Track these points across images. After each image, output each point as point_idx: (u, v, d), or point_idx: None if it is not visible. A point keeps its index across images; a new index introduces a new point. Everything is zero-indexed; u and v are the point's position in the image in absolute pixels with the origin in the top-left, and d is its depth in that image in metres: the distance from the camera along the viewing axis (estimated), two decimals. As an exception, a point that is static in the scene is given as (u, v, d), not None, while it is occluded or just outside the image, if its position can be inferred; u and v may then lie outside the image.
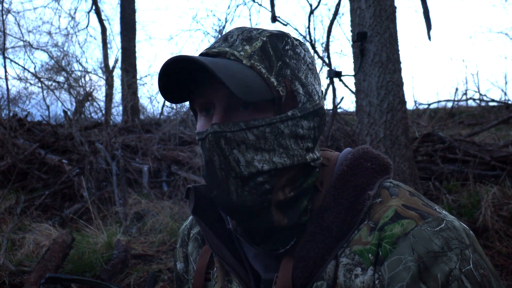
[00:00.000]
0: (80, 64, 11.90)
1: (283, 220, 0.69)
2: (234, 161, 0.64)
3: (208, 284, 0.82)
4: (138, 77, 10.50)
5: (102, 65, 11.73)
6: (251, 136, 0.64)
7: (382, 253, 0.63)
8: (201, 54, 0.69)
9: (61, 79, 10.59)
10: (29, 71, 10.63)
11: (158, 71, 0.66)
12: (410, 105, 10.90)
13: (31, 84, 10.51)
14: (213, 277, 0.81)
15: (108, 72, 10.89)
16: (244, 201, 0.66)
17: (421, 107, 9.50)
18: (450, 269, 0.60)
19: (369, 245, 0.65)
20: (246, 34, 0.69)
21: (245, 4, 7.41)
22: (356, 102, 3.65)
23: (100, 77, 11.55)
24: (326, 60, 4.96)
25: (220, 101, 0.66)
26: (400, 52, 3.58)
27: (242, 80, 0.61)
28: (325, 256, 0.67)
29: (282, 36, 0.70)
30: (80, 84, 10.28)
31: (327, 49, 5.04)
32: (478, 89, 11.87)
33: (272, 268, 0.74)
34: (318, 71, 0.76)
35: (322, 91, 0.76)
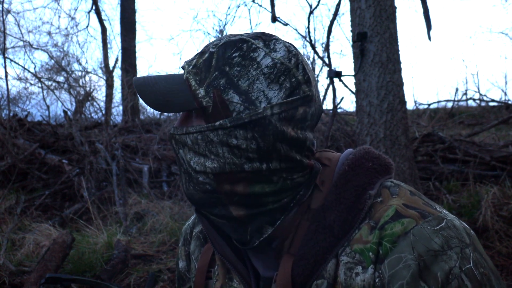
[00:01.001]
0: (80, 64, 11.92)
1: (242, 212, 0.71)
2: (181, 158, 0.73)
3: (209, 282, 0.83)
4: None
5: (102, 65, 11.75)
6: (188, 141, 0.71)
7: (383, 251, 0.64)
8: (182, 67, 0.76)
9: (61, 79, 10.60)
10: (29, 71, 10.67)
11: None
12: (410, 105, 10.90)
13: (31, 84, 10.52)
14: (214, 275, 0.82)
15: (108, 72, 10.90)
16: (191, 194, 0.73)
17: (421, 107, 9.51)
18: (450, 267, 0.60)
19: (369, 244, 0.66)
20: (204, 48, 0.74)
21: (245, 5, 7.41)
22: (356, 102, 3.65)
23: (100, 77, 11.56)
24: (326, 60, 4.96)
25: None
26: (400, 52, 3.58)
27: (162, 95, 0.71)
28: (326, 255, 0.68)
29: (235, 43, 0.70)
30: (80, 84, 10.29)
31: (327, 49, 5.04)
32: (478, 89, 11.88)
33: (272, 267, 0.74)
34: (292, 75, 0.69)
35: (283, 97, 0.68)
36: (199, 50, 0.75)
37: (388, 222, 0.66)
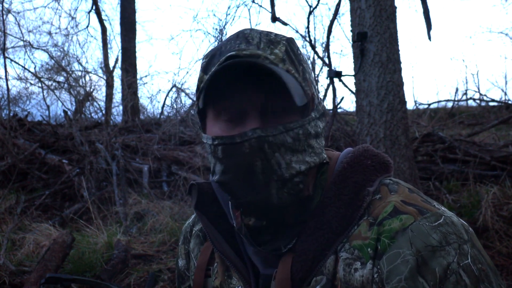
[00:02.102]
0: (80, 64, 11.90)
1: (296, 215, 0.72)
2: (276, 164, 0.65)
3: (208, 280, 0.83)
4: (138, 77, 10.50)
5: (102, 65, 11.74)
6: (289, 139, 0.66)
7: (381, 247, 0.64)
8: (231, 57, 0.67)
9: (61, 79, 10.61)
10: (29, 71, 10.66)
11: (212, 71, 0.65)
12: (410, 105, 10.88)
13: (31, 84, 10.51)
14: (213, 273, 0.82)
15: (108, 72, 10.90)
16: (283, 202, 0.68)
17: (421, 107, 9.52)
18: (448, 263, 0.60)
19: (368, 240, 0.66)
20: (266, 37, 0.70)
21: (245, 5, 7.41)
22: (356, 102, 3.65)
23: (100, 77, 11.55)
24: (326, 60, 4.96)
25: (255, 106, 0.67)
26: (400, 52, 3.59)
27: (295, 86, 0.65)
28: (324, 251, 0.68)
29: (291, 40, 0.74)
30: (80, 84, 10.29)
31: (327, 49, 5.04)
32: (478, 89, 11.84)
33: (272, 264, 0.74)
34: None
35: None
36: (265, 38, 0.69)
37: (386, 218, 0.66)
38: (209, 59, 0.72)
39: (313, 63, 8.69)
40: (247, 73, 0.65)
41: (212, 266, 0.83)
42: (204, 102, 0.68)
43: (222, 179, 0.70)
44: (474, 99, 9.80)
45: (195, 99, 0.76)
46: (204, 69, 0.72)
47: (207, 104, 0.71)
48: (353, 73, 3.68)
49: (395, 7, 3.62)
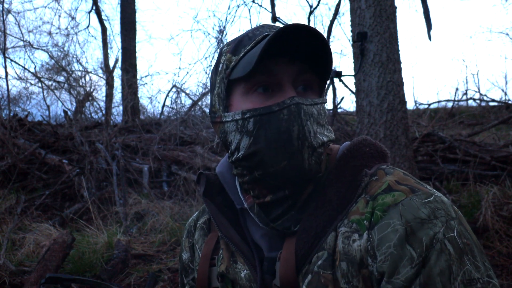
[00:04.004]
0: (80, 64, 11.90)
1: (309, 193, 0.76)
2: (308, 131, 0.71)
3: (213, 269, 0.86)
4: (138, 77, 10.48)
5: (102, 65, 11.75)
6: (315, 112, 0.73)
7: (374, 219, 0.69)
8: (277, 32, 0.68)
9: (61, 79, 10.61)
10: (29, 71, 10.67)
11: (273, 34, 0.67)
12: (410, 105, 10.89)
13: (31, 84, 10.51)
14: (219, 259, 0.85)
15: (108, 72, 10.90)
16: (311, 169, 0.72)
17: (421, 107, 9.51)
18: (435, 233, 0.64)
19: (365, 214, 0.71)
20: None
21: (246, 5, 7.40)
22: (356, 102, 3.65)
23: (100, 77, 11.56)
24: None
25: (289, 79, 0.74)
26: (400, 52, 3.59)
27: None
28: (326, 228, 0.72)
29: None
30: (80, 84, 10.30)
31: (327, 49, 5.03)
32: (478, 89, 11.83)
33: (277, 247, 0.78)
34: None
35: None
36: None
37: (380, 193, 0.71)
38: (237, 43, 0.77)
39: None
40: (282, 48, 0.70)
41: (217, 255, 0.86)
42: (252, 69, 0.68)
43: (251, 151, 0.73)
44: (474, 99, 9.79)
45: (222, 78, 0.77)
46: (233, 51, 0.76)
47: (246, 76, 0.71)
48: (353, 73, 3.68)
49: (395, 7, 3.62)
